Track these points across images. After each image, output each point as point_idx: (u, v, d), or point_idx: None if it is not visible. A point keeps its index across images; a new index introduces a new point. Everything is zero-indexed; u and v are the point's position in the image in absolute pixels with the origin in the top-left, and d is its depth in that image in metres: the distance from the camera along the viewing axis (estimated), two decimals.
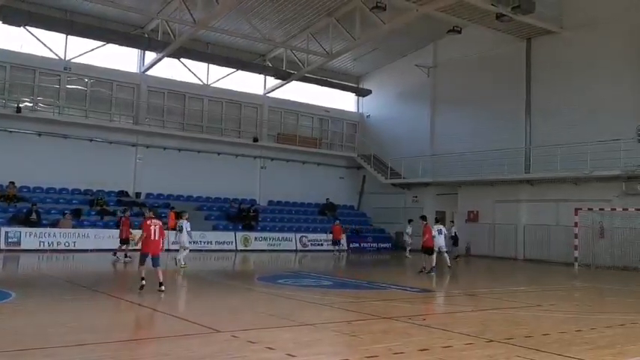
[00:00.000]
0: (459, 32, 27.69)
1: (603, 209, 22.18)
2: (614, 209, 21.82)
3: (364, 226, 33.14)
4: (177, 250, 17.95)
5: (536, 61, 27.16)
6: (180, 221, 18.07)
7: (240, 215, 28.90)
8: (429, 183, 30.89)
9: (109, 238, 23.90)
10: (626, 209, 21.40)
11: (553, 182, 25.50)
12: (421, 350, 7.08)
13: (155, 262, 11.51)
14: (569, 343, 7.42)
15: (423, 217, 18.31)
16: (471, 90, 29.48)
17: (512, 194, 27.15)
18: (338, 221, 27.52)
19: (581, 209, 22.43)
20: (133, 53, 28.84)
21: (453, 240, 24.77)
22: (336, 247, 26.36)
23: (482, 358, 6.82)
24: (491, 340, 7.72)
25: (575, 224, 22.36)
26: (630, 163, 22.36)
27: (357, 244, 30.52)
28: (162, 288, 11.19)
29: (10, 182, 24.64)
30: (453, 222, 26.65)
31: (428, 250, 17.77)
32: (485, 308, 11.20)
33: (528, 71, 27.40)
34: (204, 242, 25.71)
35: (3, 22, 24.03)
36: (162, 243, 12.00)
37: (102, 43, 26.99)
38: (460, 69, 30.16)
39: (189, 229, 17.82)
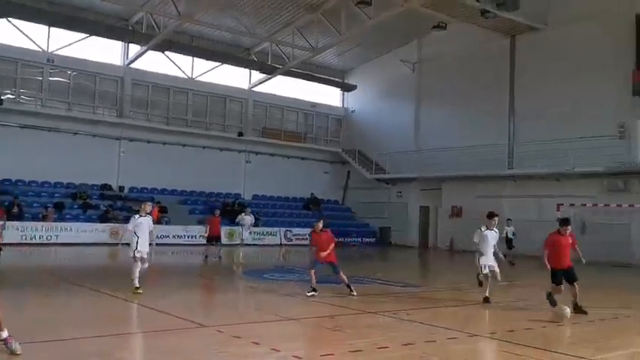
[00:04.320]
0: (444, 28, 27.83)
1: (585, 205, 22.44)
2: (596, 205, 22.09)
3: (349, 221, 33.22)
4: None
5: (520, 57, 27.35)
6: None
7: (225, 209, 28.78)
8: (413, 178, 31.01)
9: (92, 231, 23.82)
10: (608, 205, 21.69)
11: (536, 178, 25.75)
12: (405, 345, 7.13)
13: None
14: (552, 338, 7.52)
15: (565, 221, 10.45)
16: (456, 86, 29.61)
17: (496, 190, 27.34)
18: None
19: (563, 205, 22.67)
20: (117, 46, 28.52)
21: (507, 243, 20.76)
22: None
23: (465, 353, 6.90)
24: (475, 335, 7.81)
25: (557, 220, 22.59)
26: (612, 159, 22.66)
27: (341, 239, 30.55)
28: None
29: None
30: (509, 220, 21.47)
31: None
32: (470, 303, 11.31)
33: (512, 68, 27.59)
34: (189, 236, 25.60)
35: None
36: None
37: (85, 35, 26.67)
38: (445, 65, 30.28)
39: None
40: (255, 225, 24.96)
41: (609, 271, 18.64)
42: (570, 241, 9.91)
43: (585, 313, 9.33)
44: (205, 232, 19.31)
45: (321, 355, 6.81)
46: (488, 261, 10.49)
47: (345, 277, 11.33)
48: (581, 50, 24.58)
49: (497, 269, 10.63)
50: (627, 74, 23.07)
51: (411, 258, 25.96)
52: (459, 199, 29.22)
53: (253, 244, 27.16)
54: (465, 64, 29.14)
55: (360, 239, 31.48)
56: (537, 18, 25.96)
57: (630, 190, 22.79)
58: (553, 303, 9.45)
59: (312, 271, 11.16)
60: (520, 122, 27.02)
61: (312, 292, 10.93)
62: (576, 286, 9.57)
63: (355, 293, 11.09)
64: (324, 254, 11.13)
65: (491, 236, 10.63)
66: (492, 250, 10.62)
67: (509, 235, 20.89)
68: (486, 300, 10.48)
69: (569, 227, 9.94)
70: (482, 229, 10.75)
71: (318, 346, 7.47)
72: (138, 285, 10.42)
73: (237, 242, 21.17)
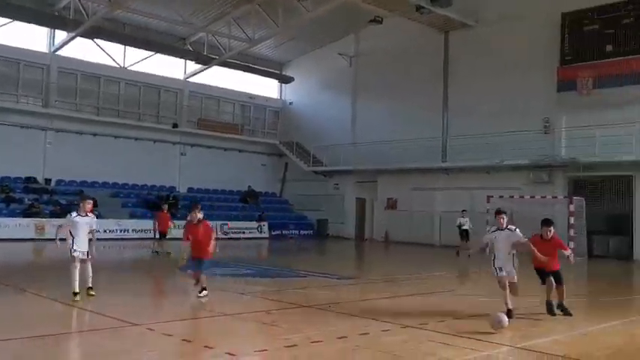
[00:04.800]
0: (380, 23, 28.14)
1: (513, 196, 23.29)
2: (522, 197, 22.98)
3: (286, 214, 33.19)
4: None
5: (453, 53, 28.01)
6: None
7: (169, 203, 28.11)
8: (350, 171, 31.30)
9: (16, 227, 22.70)
10: (533, 197, 22.60)
11: (467, 171, 26.54)
12: (339, 338, 7.17)
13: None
14: (480, 327, 7.74)
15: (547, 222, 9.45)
16: (391, 80, 30.02)
17: (429, 182, 28.01)
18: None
19: (492, 196, 23.44)
20: (42, 32, 27.22)
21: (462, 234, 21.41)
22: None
23: (397, 344, 7.01)
24: (407, 326, 7.94)
25: (487, 211, 23.36)
26: (537, 153, 23.65)
27: (279, 232, 30.53)
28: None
29: None
30: (464, 211, 22.22)
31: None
32: (403, 294, 11.52)
33: (446, 64, 28.23)
34: (121, 230, 24.86)
35: None
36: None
37: (8, 20, 25.28)
38: (381, 59, 30.64)
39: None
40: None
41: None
42: (552, 246, 9.00)
43: (570, 314, 8.85)
44: (155, 228, 18.59)
45: (255, 351, 6.76)
46: (501, 264, 8.67)
47: (204, 279, 10.07)
48: (510, 48, 25.42)
49: (515, 278, 8.73)
50: (553, 71, 24.10)
51: (347, 250, 26.22)
52: (394, 192, 29.74)
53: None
54: (400, 58, 29.58)
55: (297, 231, 31.52)
56: (469, 15, 26.68)
57: (554, 182, 23.88)
58: (551, 312, 8.87)
59: (198, 272, 10.15)
60: (453, 117, 27.72)
61: (205, 292, 9.95)
62: (563, 287, 8.99)
63: (204, 297, 9.83)
64: (210, 249, 10.07)
65: (503, 237, 8.75)
66: (509, 252, 8.72)
67: (465, 227, 21.25)
68: (509, 313, 8.26)
69: (552, 229, 9.06)
70: (492, 230, 9.17)
71: (252, 341, 7.39)
72: (77, 290, 9.34)
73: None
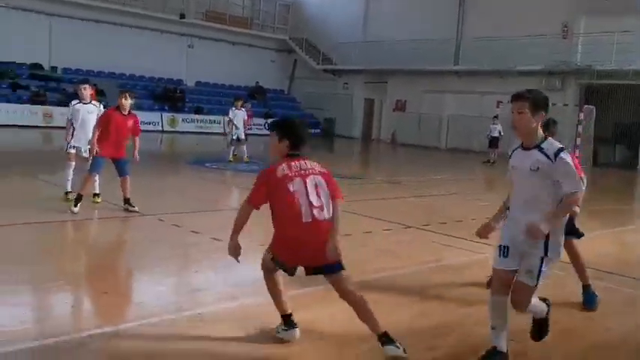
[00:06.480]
0: None
1: None
2: None
3: (294, 112, 33.00)
4: None
5: None
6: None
7: (167, 95, 28.00)
8: (360, 70, 30.74)
9: (23, 113, 22.76)
10: None
11: (479, 75, 26.00)
12: (343, 235, 7.33)
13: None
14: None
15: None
16: None
17: (440, 85, 27.59)
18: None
19: (502, 102, 23.11)
20: None
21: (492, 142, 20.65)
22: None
23: (399, 243, 7.22)
24: (409, 227, 8.14)
25: (496, 116, 23.16)
26: (552, 58, 23.03)
27: None
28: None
29: None
30: (495, 118, 21.14)
31: None
32: (407, 196, 11.71)
33: None
34: None
35: None
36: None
37: None
38: None
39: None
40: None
41: None
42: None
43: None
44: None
45: (260, 245, 6.94)
46: None
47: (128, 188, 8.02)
48: None
49: None
50: None
51: (353, 150, 26.37)
52: (403, 93, 29.39)
53: (197, 132, 26.81)
54: None
55: None
56: None
57: (565, 89, 23.48)
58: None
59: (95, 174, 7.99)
60: (468, 17, 26.80)
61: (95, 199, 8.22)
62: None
63: (136, 209, 7.95)
64: (136, 152, 8.08)
65: None
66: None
67: (494, 134, 20.49)
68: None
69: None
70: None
71: (257, 237, 7.57)
72: (70, 189, 8.39)
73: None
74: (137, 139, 8.13)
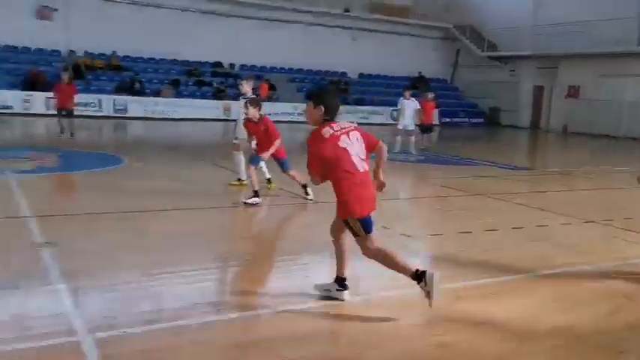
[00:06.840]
0: None
1: None
2: None
3: (457, 101, 32.37)
4: None
5: None
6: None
7: (339, 88, 29.01)
8: (528, 56, 29.21)
9: (206, 108, 25.16)
10: None
11: None
12: (515, 228, 7.19)
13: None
14: None
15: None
16: None
17: (620, 69, 25.29)
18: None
19: None
20: None
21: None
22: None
23: (579, 239, 6.87)
24: (589, 221, 7.68)
25: None
26: None
27: (449, 119, 30.08)
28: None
29: (113, 52, 25.81)
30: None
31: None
32: (582, 188, 11.04)
33: None
34: (297, 114, 26.24)
35: None
36: None
37: None
38: None
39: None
40: None
41: None
42: None
43: None
44: None
45: (429, 235, 7.07)
46: None
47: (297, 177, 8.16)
48: None
49: None
50: None
51: (521, 139, 25.23)
52: (577, 79, 27.42)
53: (359, 124, 27.39)
54: None
55: (467, 119, 30.80)
56: None
57: None
58: None
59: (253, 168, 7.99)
60: None
61: (254, 199, 7.79)
62: None
63: (311, 197, 8.09)
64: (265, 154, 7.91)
65: None
66: None
67: None
68: None
69: None
70: None
71: (428, 225, 7.72)
72: (243, 178, 8.83)
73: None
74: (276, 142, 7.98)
